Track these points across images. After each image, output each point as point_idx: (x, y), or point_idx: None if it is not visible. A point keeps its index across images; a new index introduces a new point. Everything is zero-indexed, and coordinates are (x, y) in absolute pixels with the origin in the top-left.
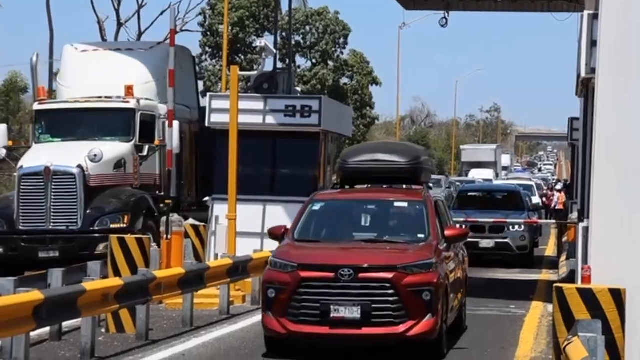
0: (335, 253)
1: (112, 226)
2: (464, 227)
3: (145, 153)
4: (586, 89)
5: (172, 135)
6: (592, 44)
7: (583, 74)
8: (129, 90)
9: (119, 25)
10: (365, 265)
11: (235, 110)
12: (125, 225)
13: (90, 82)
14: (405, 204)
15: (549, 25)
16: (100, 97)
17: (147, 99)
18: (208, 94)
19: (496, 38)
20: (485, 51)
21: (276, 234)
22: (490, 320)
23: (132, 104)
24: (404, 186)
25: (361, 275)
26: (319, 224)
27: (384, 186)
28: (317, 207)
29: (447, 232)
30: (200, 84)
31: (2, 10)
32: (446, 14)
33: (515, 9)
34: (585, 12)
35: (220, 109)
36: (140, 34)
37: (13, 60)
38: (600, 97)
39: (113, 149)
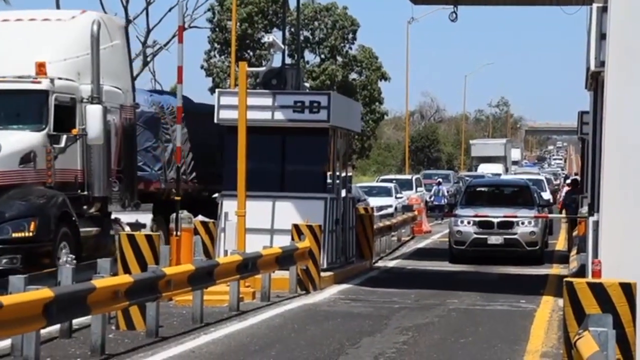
0: None
1: (15, 235)
2: None
3: (62, 144)
4: (595, 82)
5: (177, 131)
6: (602, 36)
7: (592, 67)
8: (40, 68)
9: (128, 22)
10: None
11: (243, 107)
12: (31, 234)
13: None
14: None
15: (558, 18)
16: (5, 77)
17: (65, 79)
18: (217, 90)
19: (505, 32)
20: (494, 45)
21: None
22: (501, 315)
23: (44, 84)
24: None
25: None
26: None
27: None
28: None
29: None
30: (209, 80)
31: (11, 7)
32: (455, 9)
33: (524, 2)
34: (594, 5)
35: (229, 105)
36: (148, 31)
37: None
38: (609, 90)
39: (19, 139)
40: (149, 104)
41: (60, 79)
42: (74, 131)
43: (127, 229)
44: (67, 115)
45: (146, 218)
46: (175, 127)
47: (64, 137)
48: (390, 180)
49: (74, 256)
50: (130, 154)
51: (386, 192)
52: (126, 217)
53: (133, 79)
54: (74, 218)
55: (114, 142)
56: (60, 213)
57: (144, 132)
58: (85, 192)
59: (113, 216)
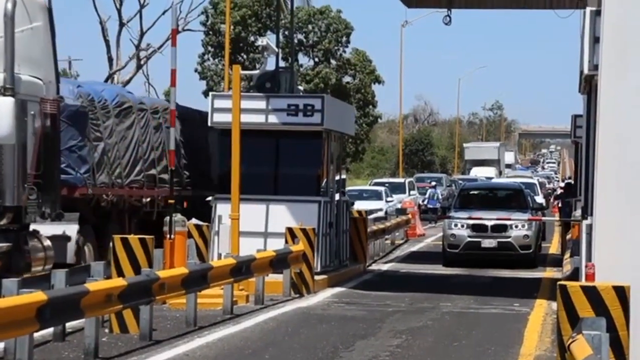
0: None
1: None
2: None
3: None
4: (589, 85)
5: (171, 135)
6: (595, 40)
7: (586, 71)
8: None
9: (121, 25)
10: None
11: (237, 110)
12: None
13: None
14: None
15: (551, 22)
16: None
17: None
18: (211, 93)
19: (498, 35)
20: (487, 49)
21: None
22: (494, 319)
23: None
24: None
25: None
26: None
27: None
28: None
29: None
30: (203, 83)
31: None
32: (449, 12)
33: (517, 5)
34: (588, 9)
35: (223, 108)
36: (142, 34)
37: None
38: (603, 94)
39: None
40: (74, 95)
41: None
42: None
43: (48, 243)
44: None
45: (72, 229)
46: (108, 124)
47: None
48: (383, 184)
49: None
50: (52, 155)
51: (377, 196)
52: (51, 229)
53: (57, 67)
54: None
55: (31, 141)
56: None
57: (67, 128)
58: None
59: (31, 228)
